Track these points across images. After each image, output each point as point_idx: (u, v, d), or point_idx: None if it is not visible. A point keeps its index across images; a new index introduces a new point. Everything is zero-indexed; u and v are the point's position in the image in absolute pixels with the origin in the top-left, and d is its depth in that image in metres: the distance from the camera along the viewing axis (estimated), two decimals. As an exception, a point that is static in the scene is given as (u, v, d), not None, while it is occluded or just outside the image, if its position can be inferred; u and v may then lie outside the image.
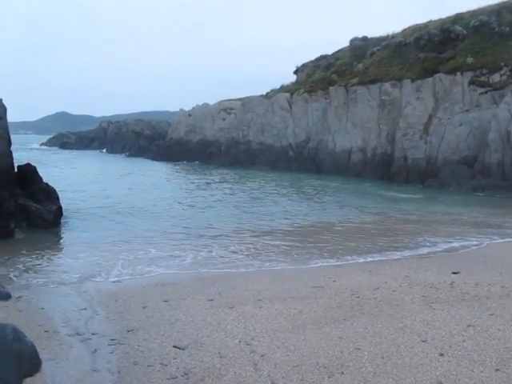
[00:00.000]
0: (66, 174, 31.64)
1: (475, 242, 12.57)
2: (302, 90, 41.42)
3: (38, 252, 10.59)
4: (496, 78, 29.74)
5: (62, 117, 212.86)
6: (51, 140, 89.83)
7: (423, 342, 5.47)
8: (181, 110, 56.54)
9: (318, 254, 11.00)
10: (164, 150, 52.23)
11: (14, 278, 8.54)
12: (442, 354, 5.13)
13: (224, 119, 47.95)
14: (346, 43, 44.43)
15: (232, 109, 48.52)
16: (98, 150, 73.70)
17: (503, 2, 33.90)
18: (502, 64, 29.92)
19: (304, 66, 47.30)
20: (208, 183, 29.22)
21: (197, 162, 46.51)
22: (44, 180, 14.60)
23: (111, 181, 29.06)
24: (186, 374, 4.70)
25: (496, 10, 33.33)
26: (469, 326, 5.98)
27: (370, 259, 10.56)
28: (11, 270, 9.14)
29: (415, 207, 20.07)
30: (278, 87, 47.67)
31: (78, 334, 5.80)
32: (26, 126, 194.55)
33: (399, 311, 6.59)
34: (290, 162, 39.53)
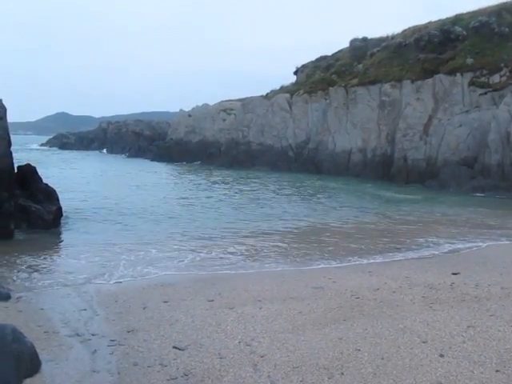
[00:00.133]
0: (66, 174, 31.62)
1: (475, 243, 12.57)
2: (301, 91, 41.42)
3: (37, 252, 10.58)
4: (496, 78, 29.74)
5: (61, 117, 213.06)
6: (51, 140, 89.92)
7: (423, 342, 5.47)
8: (181, 110, 56.51)
9: (317, 255, 11.00)
10: (164, 151, 52.23)
11: (14, 279, 8.53)
12: (442, 355, 5.12)
13: (224, 120, 47.95)
14: (346, 44, 44.52)
15: (232, 109, 48.53)
16: (98, 151, 73.72)
17: (503, 3, 33.93)
18: (502, 65, 29.93)
19: (304, 66, 47.33)
20: (208, 184, 29.21)
21: (197, 162, 46.51)
22: (44, 180, 14.61)
23: (111, 181, 29.06)
24: (185, 375, 4.70)
25: (496, 11, 33.34)
26: (469, 326, 5.98)
27: (369, 260, 10.55)
28: (11, 270, 9.14)
29: (415, 208, 20.06)
30: (278, 88, 47.70)
31: (77, 334, 5.79)
32: (25, 127, 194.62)
33: (399, 312, 6.59)
34: (289, 163, 39.53)
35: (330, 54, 46.04)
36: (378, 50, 38.75)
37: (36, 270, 9.22)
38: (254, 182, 30.50)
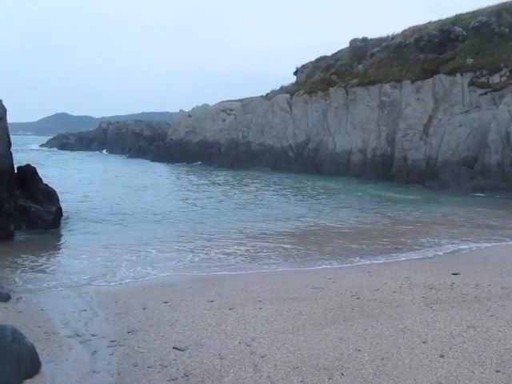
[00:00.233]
0: (66, 174, 31.62)
1: (475, 243, 12.57)
2: (301, 91, 41.42)
3: (37, 253, 10.58)
4: (496, 78, 29.74)
5: (61, 118, 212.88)
6: (51, 141, 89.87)
7: (423, 343, 5.47)
8: (181, 110, 56.46)
9: (318, 256, 11.00)
10: (164, 151, 52.22)
11: (14, 280, 8.53)
12: (442, 356, 5.12)
13: (224, 120, 47.93)
14: (345, 44, 44.51)
15: (232, 110, 48.51)
16: (98, 151, 73.68)
17: (503, 3, 33.92)
18: (502, 65, 29.93)
19: (304, 66, 47.32)
20: (208, 184, 29.21)
21: (197, 162, 46.49)
22: (44, 181, 14.60)
23: (111, 182, 29.04)
24: (185, 376, 4.70)
25: (496, 11, 33.34)
26: (469, 327, 5.97)
27: (369, 260, 10.55)
28: (11, 271, 9.14)
29: (415, 208, 20.06)
30: (278, 88, 47.70)
31: (77, 335, 5.79)
32: (25, 127, 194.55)
33: (399, 312, 6.59)
34: (289, 163, 39.53)
35: (329, 54, 46.04)
36: (378, 50, 38.75)
37: (36, 271, 9.22)
38: (254, 183, 30.50)
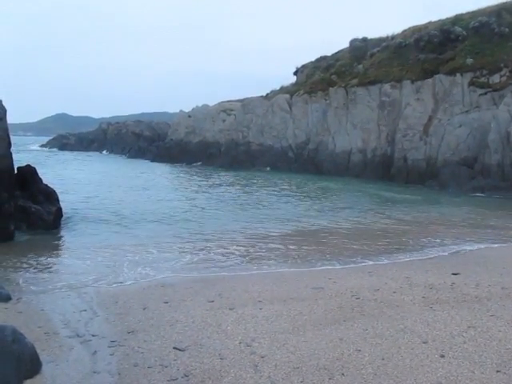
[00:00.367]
0: (67, 175, 31.61)
1: (475, 243, 12.57)
2: (301, 91, 41.44)
3: (37, 254, 10.58)
4: (496, 78, 29.76)
5: (61, 118, 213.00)
6: (51, 141, 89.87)
7: (424, 343, 5.46)
8: (180, 111, 56.46)
9: (318, 256, 10.99)
10: (164, 152, 52.23)
11: (14, 280, 8.53)
12: (442, 356, 5.12)
13: (224, 120, 47.94)
14: (345, 44, 44.53)
15: (232, 110, 48.52)
16: (98, 152, 73.68)
17: (503, 3, 33.95)
18: (502, 65, 29.95)
19: (304, 66, 47.35)
20: (208, 184, 29.20)
21: (197, 163, 46.48)
22: (44, 181, 14.59)
23: (111, 182, 29.04)
24: (186, 376, 4.70)
25: (496, 11, 33.36)
26: (469, 327, 5.97)
27: (369, 261, 10.55)
28: (11, 271, 9.14)
29: (415, 208, 20.06)
30: (278, 88, 47.73)
31: (78, 335, 5.79)
32: (25, 128, 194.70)
33: (399, 312, 6.59)
34: (289, 163, 39.54)
35: (329, 54, 46.09)
36: (378, 51, 38.76)
37: (36, 271, 9.22)
38: (254, 183, 30.51)
